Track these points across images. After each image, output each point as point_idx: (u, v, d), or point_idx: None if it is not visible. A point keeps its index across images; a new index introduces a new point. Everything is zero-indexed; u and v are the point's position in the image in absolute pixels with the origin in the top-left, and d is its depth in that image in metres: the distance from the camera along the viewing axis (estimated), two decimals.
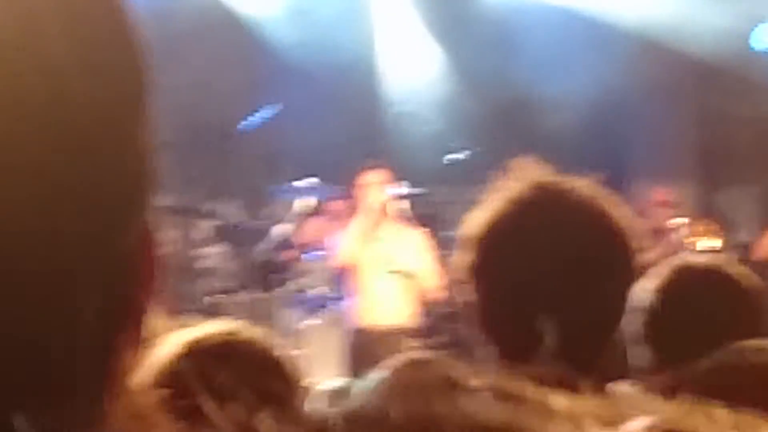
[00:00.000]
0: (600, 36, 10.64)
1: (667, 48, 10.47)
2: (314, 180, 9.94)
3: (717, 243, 10.04)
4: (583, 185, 2.19)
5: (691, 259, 3.04)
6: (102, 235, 0.60)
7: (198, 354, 1.89)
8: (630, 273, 2.19)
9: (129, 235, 0.63)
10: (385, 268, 8.30)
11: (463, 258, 2.16)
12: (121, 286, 0.63)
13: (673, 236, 9.96)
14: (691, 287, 2.92)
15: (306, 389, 2.08)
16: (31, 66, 0.58)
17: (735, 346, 2.36)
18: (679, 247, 9.94)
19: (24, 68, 0.58)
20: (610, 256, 2.16)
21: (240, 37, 10.99)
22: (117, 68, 0.63)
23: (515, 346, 2.04)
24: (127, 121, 0.63)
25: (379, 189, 8.35)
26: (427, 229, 8.71)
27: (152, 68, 0.66)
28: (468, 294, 2.14)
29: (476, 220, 2.17)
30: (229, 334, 2.03)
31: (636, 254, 2.18)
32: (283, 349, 2.10)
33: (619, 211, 2.19)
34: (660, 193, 10.20)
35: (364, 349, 8.02)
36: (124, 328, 0.64)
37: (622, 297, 2.18)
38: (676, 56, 10.56)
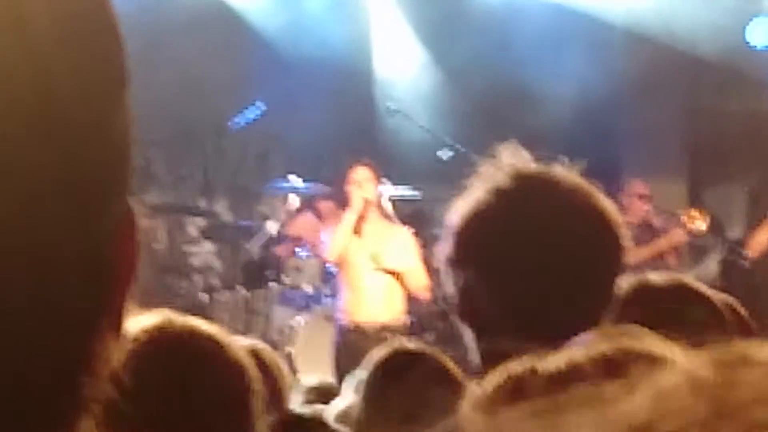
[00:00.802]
0: (590, 31, 10.64)
1: (658, 42, 10.47)
2: (305, 177, 9.94)
3: (702, 225, 10.07)
4: (565, 175, 2.19)
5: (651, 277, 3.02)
6: (80, 223, 0.60)
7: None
8: (614, 261, 2.18)
9: (107, 223, 0.63)
10: (372, 265, 8.31)
11: (445, 248, 2.16)
12: (100, 277, 0.63)
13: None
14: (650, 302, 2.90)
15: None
16: (17, 56, 0.58)
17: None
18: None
19: (11, 58, 0.58)
20: (592, 245, 2.15)
21: (231, 31, 10.98)
22: (99, 59, 0.63)
23: (497, 334, 2.04)
24: (107, 110, 0.63)
25: (367, 186, 8.37)
26: (416, 227, 8.73)
27: (131, 59, 0.66)
28: (452, 283, 2.14)
29: (459, 210, 2.17)
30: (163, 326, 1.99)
31: (620, 243, 2.18)
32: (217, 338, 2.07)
33: (602, 201, 2.18)
34: (638, 186, 10.23)
35: (352, 346, 8.03)
36: (103, 320, 0.64)
37: (607, 285, 2.17)
38: (667, 51, 10.56)
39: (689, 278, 2.99)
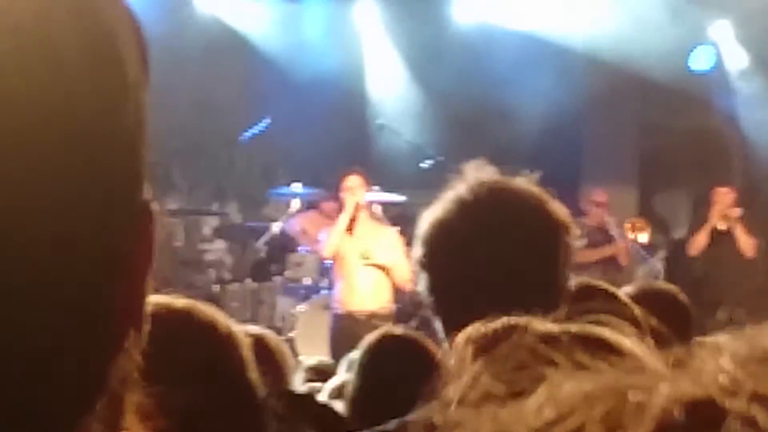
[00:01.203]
0: (554, 56, 10.64)
1: (613, 66, 10.49)
2: (305, 183, 9.94)
3: (645, 237, 10.11)
4: (521, 184, 2.20)
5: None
6: (98, 219, 0.58)
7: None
8: (563, 259, 2.18)
9: (124, 218, 0.61)
10: (363, 261, 8.33)
11: (416, 252, 2.18)
12: (118, 268, 0.60)
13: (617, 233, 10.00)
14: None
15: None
16: (43, 64, 0.56)
17: None
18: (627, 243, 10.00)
19: (37, 66, 0.56)
20: (542, 245, 2.16)
21: (241, 57, 10.97)
22: (120, 67, 0.61)
23: (461, 325, 2.04)
24: (123, 117, 0.61)
25: (358, 192, 8.39)
26: (401, 227, 8.73)
27: (153, 82, 0.64)
28: (422, 282, 2.16)
29: (427, 218, 2.19)
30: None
31: (568, 243, 2.19)
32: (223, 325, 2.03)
33: (553, 206, 2.19)
34: (598, 194, 10.25)
35: (344, 331, 8.05)
36: (123, 306, 0.61)
37: (556, 281, 2.18)
38: (621, 74, 10.58)
39: (595, 280, 3.00)
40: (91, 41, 0.59)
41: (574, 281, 2.89)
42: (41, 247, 0.55)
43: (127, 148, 0.61)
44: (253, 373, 1.98)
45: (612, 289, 2.89)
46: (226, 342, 1.94)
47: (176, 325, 1.90)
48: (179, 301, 1.96)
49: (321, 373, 4.79)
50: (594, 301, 2.76)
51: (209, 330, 1.93)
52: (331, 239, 8.39)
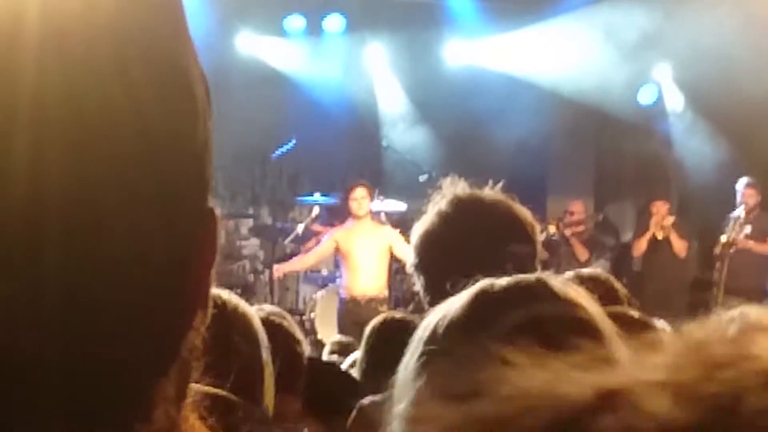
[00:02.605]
0: (526, 92, 10.66)
1: (574, 100, 10.51)
2: (324, 193, 9.95)
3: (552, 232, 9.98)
4: (491, 194, 2.20)
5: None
6: (170, 224, 0.58)
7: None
8: (532, 250, 2.18)
9: (192, 223, 0.60)
10: (368, 254, 8.35)
11: (410, 257, 2.19)
12: (186, 267, 0.60)
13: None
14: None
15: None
16: (120, 94, 0.55)
17: None
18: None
19: (118, 107, 0.55)
20: (515, 241, 2.15)
21: (273, 88, 10.98)
22: (191, 99, 0.60)
23: None
24: (190, 137, 0.60)
25: (363, 202, 8.38)
26: (402, 230, 8.74)
27: (207, 99, 0.63)
28: (419, 282, 2.16)
29: (417, 230, 2.20)
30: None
31: (534, 240, 2.18)
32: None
33: (519, 210, 2.19)
34: (576, 205, 10.26)
35: (349, 313, 8.08)
36: (195, 296, 0.62)
37: (530, 270, 2.17)
38: (580, 107, 10.60)
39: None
40: (165, 76, 0.58)
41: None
42: (130, 243, 0.56)
43: (197, 166, 0.61)
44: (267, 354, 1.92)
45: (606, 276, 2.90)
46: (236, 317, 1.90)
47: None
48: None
49: (343, 347, 4.80)
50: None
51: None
52: (341, 236, 8.41)
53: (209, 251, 0.63)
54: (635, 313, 2.26)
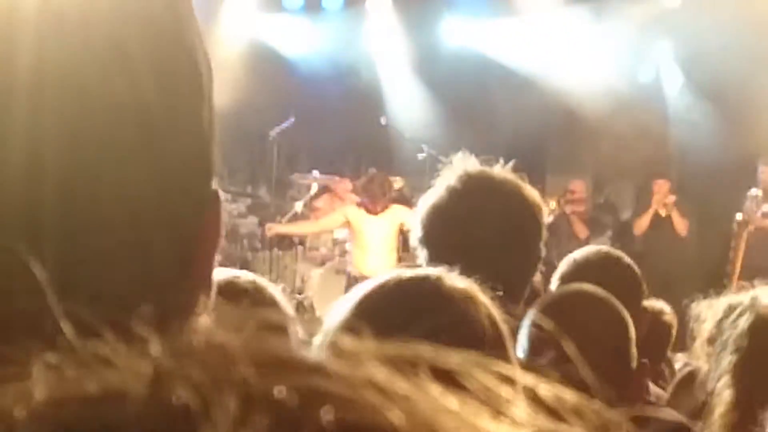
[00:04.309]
0: (525, 85, 10.69)
1: (574, 81, 10.49)
2: (322, 171, 9.95)
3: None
4: (500, 172, 2.19)
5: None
6: (174, 203, 0.58)
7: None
8: (536, 231, 2.18)
9: (195, 203, 0.60)
10: (379, 232, 8.38)
11: (416, 231, 2.17)
12: (189, 244, 0.60)
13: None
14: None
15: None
16: (121, 84, 0.55)
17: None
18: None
19: (116, 87, 0.55)
20: (519, 221, 2.15)
21: (275, 66, 10.95)
22: (185, 79, 0.60)
23: None
24: (193, 117, 0.60)
25: (380, 182, 8.36)
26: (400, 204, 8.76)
27: (211, 79, 0.63)
28: (422, 256, 2.15)
29: (424, 203, 2.18)
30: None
31: (539, 218, 2.18)
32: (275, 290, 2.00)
33: (527, 189, 2.18)
34: (576, 184, 10.24)
35: None
36: (192, 276, 0.61)
37: (532, 249, 2.17)
38: (582, 85, 10.58)
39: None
40: (166, 55, 0.58)
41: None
42: (130, 224, 0.56)
43: (200, 144, 0.61)
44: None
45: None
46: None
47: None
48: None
49: None
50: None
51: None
52: (349, 213, 8.48)
53: (213, 233, 0.63)
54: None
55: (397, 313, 1.26)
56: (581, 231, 9.92)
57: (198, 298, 0.61)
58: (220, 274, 1.90)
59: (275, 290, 1.98)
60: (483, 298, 1.33)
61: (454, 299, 1.30)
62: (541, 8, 10.60)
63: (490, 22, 11.07)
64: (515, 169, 2.21)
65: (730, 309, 2.07)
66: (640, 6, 10.33)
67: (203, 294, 0.62)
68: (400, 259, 8.72)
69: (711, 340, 2.07)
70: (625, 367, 2.19)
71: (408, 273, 1.38)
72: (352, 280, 8.34)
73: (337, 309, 1.34)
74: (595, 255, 3.02)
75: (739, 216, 8.85)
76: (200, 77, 0.60)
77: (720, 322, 2.06)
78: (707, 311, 2.13)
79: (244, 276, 1.96)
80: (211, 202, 0.63)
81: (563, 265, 2.99)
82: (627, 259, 3.04)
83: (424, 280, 1.35)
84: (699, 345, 2.12)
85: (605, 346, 2.10)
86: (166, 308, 0.57)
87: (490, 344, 1.24)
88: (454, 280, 1.35)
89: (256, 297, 1.90)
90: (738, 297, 2.13)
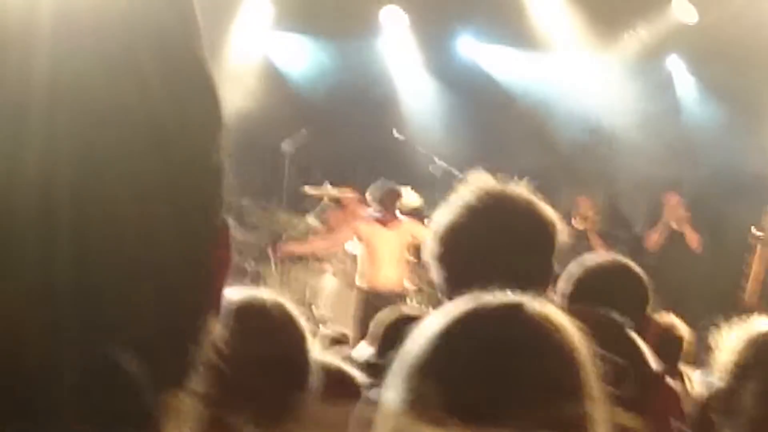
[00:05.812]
0: (539, 87, 10.67)
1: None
2: (334, 183, 9.97)
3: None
4: (515, 189, 2.19)
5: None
6: (187, 232, 0.58)
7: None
8: (550, 248, 2.18)
9: (207, 232, 0.60)
10: (391, 246, 8.38)
11: (432, 247, 2.17)
12: (200, 274, 0.60)
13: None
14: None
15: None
16: (133, 98, 0.55)
17: None
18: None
19: (129, 101, 0.55)
20: (536, 237, 2.15)
21: (287, 85, 11.02)
22: (200, 105, 0.60)
23: None
24: (206, 147, 0.60)
25: (392, 196, 8.36)
26: (414, 217, 8.76)
27: (224, 108, 0.63)
28: (439, 273, 2.15)
29: (441, 220, 2.18)
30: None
31: (554, 235, 2.18)
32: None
33: (542, 207, 2.18)
34: (584, 201, 10.20)
35: (370, 304, 8.08)
36: (204, 303, 0.61)
37: (546, 265, 2.17)
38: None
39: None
40: (178, 69, 0.58)
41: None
42: (142, 240, 0.55)
43: (216, 179, 0.62)
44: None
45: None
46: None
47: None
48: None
49: (336, 340, 4.81)
50: None
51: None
52: (362, 229, 8.49)
53: (223, 258, 0.63)
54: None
55: (483, 346, 1.29)
56: (599, 246, 9.89)
57: (210, 320, 0.61)
58: (239, 292, 1.91)
59: (292, 307, 1.99)
60: (562, 320, 1.30)
61: (542, 328, 1.30)
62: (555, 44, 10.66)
63: (504, 46, 11.14)
64: (529, 186, 2.21)
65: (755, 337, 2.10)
66: (656, 22, 10.33)
67: (213, 315, 0.62)
68: (410, 272, 8.73)
69: (734, 364, 2.09)
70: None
71: (486, 302, 1.35)
72: (364, 295, 8.35)
73: (412, 345, 1.32)
74: (605, 261, 3.07)
75: (754, 230, 8.79)
76: (213, 88, 0.60)
77: (742, 349, 2.08)
78: (728, 335, 2.15)
79: (262, 294, 1.97)
80: (221, 229, 0.63)
81: (574, 270, 3.00)
82: (636, 268, 3.07)
83: (507, 308, 1.33)
84: (720, 366, 2.13)
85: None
86: (181, 330, 0.58)
87: (577, 371, 1.23)
88: (533, 304, 1.34)
89: (274, 314, 1.91)
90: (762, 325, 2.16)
